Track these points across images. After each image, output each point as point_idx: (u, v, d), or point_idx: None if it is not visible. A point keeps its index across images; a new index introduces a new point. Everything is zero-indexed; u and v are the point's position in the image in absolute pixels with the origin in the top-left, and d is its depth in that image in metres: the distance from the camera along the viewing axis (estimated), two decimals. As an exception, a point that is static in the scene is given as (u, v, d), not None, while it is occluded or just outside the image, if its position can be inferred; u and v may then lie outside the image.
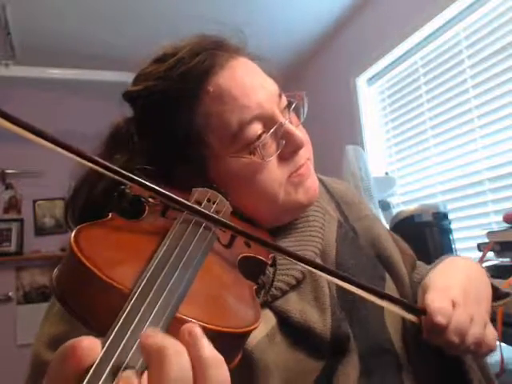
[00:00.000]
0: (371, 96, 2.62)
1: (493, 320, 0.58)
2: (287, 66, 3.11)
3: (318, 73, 3.05)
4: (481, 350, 0.51)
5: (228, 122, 0.55)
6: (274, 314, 0.52)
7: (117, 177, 0.42)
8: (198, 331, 0.28)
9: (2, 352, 2.86)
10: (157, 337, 0.27)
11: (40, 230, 3.20)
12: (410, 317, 0.52)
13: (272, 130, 0.56)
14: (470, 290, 0.54)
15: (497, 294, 0.61)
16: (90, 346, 0.25)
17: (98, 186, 0.56)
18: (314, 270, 0.48)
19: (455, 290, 0.53)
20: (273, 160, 0.56)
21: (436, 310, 0.49)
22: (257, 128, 0.55)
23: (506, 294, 0.62)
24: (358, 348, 0.53)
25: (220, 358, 0.28)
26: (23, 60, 2.71)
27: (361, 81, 2.64)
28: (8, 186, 3.17)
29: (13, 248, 3.08)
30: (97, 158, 0.41)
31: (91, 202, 0.56)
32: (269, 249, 0.49)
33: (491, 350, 0.52)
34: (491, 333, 0.52)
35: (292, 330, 0.52)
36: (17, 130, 0.37)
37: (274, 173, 0.57)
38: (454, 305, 0.51)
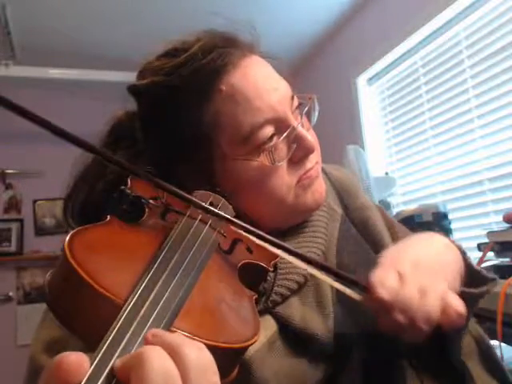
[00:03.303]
0: (371, 96, 2.62)
1: (478, 316, 0.52)
2: (287, 66, 3.10)
3: (318, 73, 3.05)
4: (449, 319, 0.43)
5: (240, 123, 0.53)
6: (275, 320, 0.51)
7: (128, 171, 0.41)
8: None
9: (2, 352, 2.86)
10: (127, 355, 0.26)
11: (40, 230, 3.20)
12: (356, 296, 0.46)
13: (285, 134, 0.55)
14: (422, 262, 0.47)
15: (478, 279, 0.54)
16: (77, 362, 0.24)
17: (99, 184, 0.55)
18: (315, 271, 0.47)
19: (404, 262, 0.46)
20: (283, 164, 0.55)
21: (377, 283, 0.43)
22: (268, 131, 0.54)
23: (491, 280, 0.54)
24: (360, 354, 0.52)
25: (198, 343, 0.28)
26: (23, 60, 2.71)
27: (361, 81, 2.63)
28: (8, 186, 3.17)
29: (13, 248, 3.08)
30: (117, 158, 0.41)
31: (91, 201, 0.55)
32: (273, 247, 0.47)
33: (460, 314, 0.42)
34: (454, 299, 0.43)
35: (293, 335, 0.50)
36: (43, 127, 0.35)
37: (283, 176, 0.56)
38: (401, 278, 0.44)
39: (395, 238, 0.67)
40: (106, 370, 0.25)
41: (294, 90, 0.59)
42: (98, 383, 0.24)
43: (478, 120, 1.91)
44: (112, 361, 0.26)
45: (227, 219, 0.44)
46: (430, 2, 2.05)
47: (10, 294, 3.05)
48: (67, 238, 0.34)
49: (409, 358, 0.55)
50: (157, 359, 0.25)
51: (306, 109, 0.59)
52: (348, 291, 0.46)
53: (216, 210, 0.44)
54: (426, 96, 2.19)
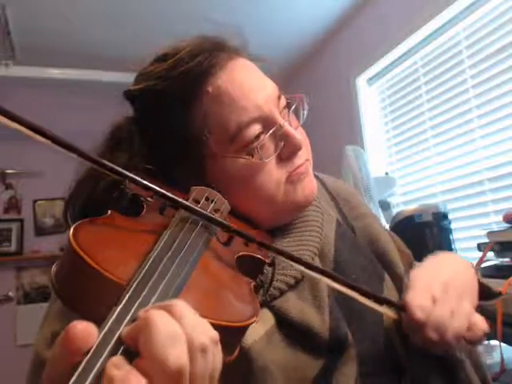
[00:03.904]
0: (371, 96, 2.62)
1: (489, 319, 0.57)
2: (287, 66, 3.11)
3: (317, 73, 3.05)
4: (474, 335, 0.51)
5: (226, 123, 0.55)
6: (272, 313, 0.53)
7: (117, 176, 0.42)
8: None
9: (2, 352, 2.86)
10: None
11: (40, 230, 3.20)
12: (391, 314, 0.52)
13: (271, 132, 0.56)
14: (451, 285, 0.53)
15: (489, 294, 0.61)
16: (85, 330, 0.26)
17: (100, 184, 0.56)
18: (309, 272, 0.48)
19: (436, 285, 0.52)
20: (271, 161, 0.57)
21: (415, 307, 0.49)
22: (255, 129, 0.56)
23: (498, 294, 0.62)
24: (356, 347, 0.53)
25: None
26: (23, 60, 2.71)
27: (361, 81, 2.64)
28: (8, 186, 3.17)
29: (13, 248, 3.08)
30: (97, 158, 0.41)
31: (92, 201, 0.56)
32: (265, 249, 0.49)
33: (484, 332, 0.51)
34: (479, 319, 0.52)
35: (290, 329, 0.52)
36: (24, 130, 0.37)
37: (271, 173, 0.57)
38: (434, 301, 0.50)
39: (396, 245, 0.70)
40: (115, 337, 0.27)
41: (281, 90, 0.61)
42: (107, 349, 0.26)
43: (478, 120, 1.91)
44: (120, 329, 0.27)
45: (218, 223, 0.46)
46: (430, 2, 2.05)
47: (10, 293, 3.05)
48: (71, 228, 0.36)
49: (404, 350, 0.57)
50: (162, 321, 0.27)
51: (294, 107, 0.60)
52: (384, 310, 0.51)
53: (205, 212, 0.45)
54: (425, 96, 2.19)
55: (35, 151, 3.02)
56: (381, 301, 0.50)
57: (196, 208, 0.45)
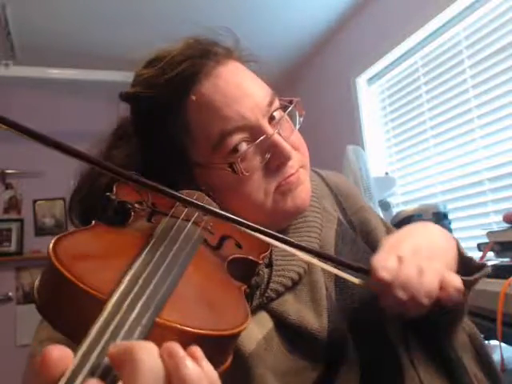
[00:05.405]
0: (371, 96, 2.62)
1: (478, 316, 0.53)
2: (287, 66, 3.11)
3: (318, 73, 3.05)
4: (447, 293, 0.45)
5: (208, 132, 0.54)
6: (270, 316, 0.52)
7: (113, 174, 0.41)
8: (179, 350, 0.27)
9: (2, 352, 2.85)
10: (123, 344, 0.26)
11: (40, 230, 3.20)
12: (359, 282, 0.49)
13: (256, 142, 0.55)
14: (421, 247, 0.50)
15: (470, 267, 0.56)
16: (60, 356, 0.25)
17: (99, 182, 0.57)
18: (308, 258, 0.48)
19: (404, 247, 0.49)
20: (257, 171, 0.55)
21: (378, 266, 0.46)
22: (239, 138, 0.54)
23: (482, 266, 0.56)
24: (357, 350, 0.52)
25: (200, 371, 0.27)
26: (23, 60, 2.71)
27: (361, 81, 2.63)
28: (8, 186, 3.17)
29: (13, 248, 3.08)
30: (94, 158, 0.41)
31: (91, 202, 0.57)
32: (262, 236, 0.47)
33: (458, 289, 0.45)
34: (452, 276, 0.46)
35: (289, 332, 0.51)
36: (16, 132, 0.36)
37: (259, 184, 0.56)
38: (400, 261, 0.46)
39: None
40: (90, 362, 0.25)
41: (277, 93, 0.59)
42: (80, 375, 0.24)
43: (478, 120, 1.91)
44: (95, 354, 0.26)
45: (211, 211, 0.44)
46: (430, 2, 2.05)
47: (10, 294, 3.05)
48: (51, 242, 0.35)
49: (405, 353, 0.55)
50: (149, 359, 0.25)
51: (286, 113, 0.59)
52: (348, 276, 0.48)
53: (199, 203, 0.44)
54: (425, 96, 2.19)
55: (35, 151, 3.01)
56: (345, 266, 0.48)
57: (194, 201, 0.43)
